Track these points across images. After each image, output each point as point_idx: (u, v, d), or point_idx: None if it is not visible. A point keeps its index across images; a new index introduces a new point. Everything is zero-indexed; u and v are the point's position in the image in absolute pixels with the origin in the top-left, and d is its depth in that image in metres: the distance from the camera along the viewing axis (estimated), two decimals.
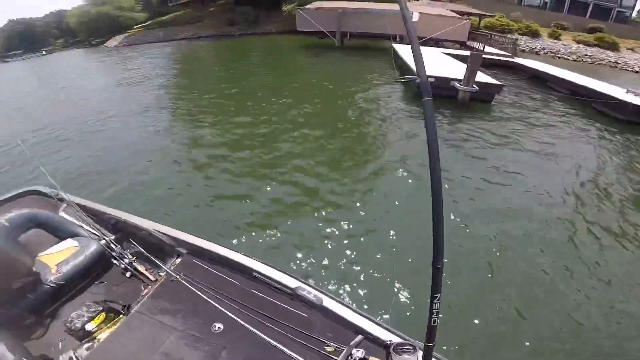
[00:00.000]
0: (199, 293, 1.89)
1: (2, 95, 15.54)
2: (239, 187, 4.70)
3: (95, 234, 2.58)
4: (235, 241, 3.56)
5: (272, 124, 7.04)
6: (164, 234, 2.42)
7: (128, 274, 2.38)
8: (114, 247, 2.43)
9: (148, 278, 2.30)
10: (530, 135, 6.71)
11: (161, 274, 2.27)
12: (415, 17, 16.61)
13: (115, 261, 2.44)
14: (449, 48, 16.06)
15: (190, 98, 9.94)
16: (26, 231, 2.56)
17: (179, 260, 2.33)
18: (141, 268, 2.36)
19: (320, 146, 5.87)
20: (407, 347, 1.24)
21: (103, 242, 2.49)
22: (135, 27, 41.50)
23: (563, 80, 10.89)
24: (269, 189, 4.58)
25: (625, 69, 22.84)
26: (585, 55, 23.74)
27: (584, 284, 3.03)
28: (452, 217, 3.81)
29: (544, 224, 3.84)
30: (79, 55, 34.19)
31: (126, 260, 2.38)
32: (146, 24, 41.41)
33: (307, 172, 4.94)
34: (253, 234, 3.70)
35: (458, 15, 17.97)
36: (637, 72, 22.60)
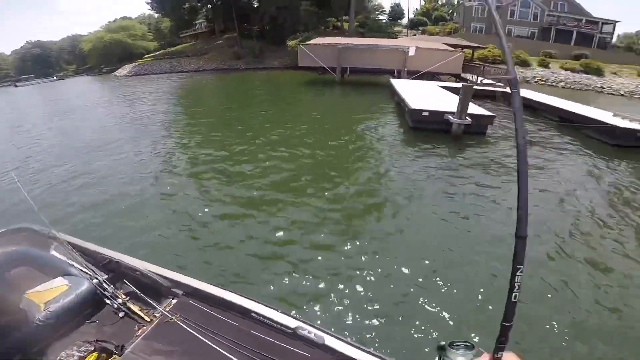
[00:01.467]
0: (195, 334, 1.88)
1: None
2: (225, 208, 5.14)
3: (87, 272, 2.55)
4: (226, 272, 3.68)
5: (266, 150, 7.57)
6: (159, 274, 2.40)
7: (121, 314, 2.36)
8: (106, 286, 2.42)
9: (142, 318, 2.26)
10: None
11: (156, 314, 2.24)
12: (412, 52, 17.94)
13: (107, 301, 2.41)
14: (445, 81, 16.90)
15: (189, 130, 10.52)
16: (15, 268, 2.56)
17: (174, 301, 2.31)
18: (135, 308, 2.33)
19: (318, 183, 6.11)
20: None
21: (95, 281, 2.47)
22: (145, 56, 42.74)
23: (554, 107, 11.27)
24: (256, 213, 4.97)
25: (611, 93, 23.92)
26: (574, 81, 24.96)
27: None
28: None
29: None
30: (89, 82, 35.23)
31: (119, 300, 2.35)
32: (156, 54, 42.65)
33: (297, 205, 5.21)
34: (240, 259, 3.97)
35: (452, 49, 19.00)
36: (622, 95, 23.65)
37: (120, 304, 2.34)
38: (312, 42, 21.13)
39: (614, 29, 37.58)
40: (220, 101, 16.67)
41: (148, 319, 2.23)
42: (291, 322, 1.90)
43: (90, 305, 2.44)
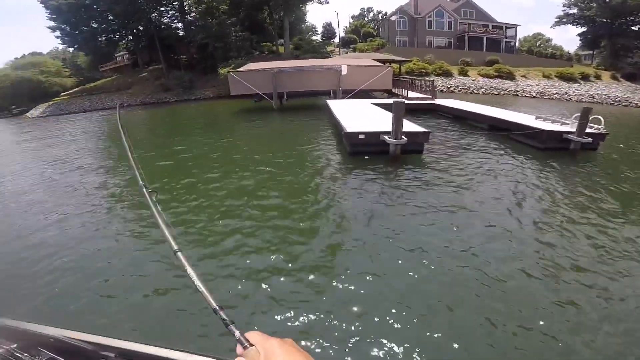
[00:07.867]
0: None
1: None
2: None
3: None
4: None
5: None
6: (82, 340, 1.99)
7: None
8: (19, 355, 1.86)
9: None
10: (463, 180, 6.74)
11: None
12: (344, 70, 17.96)
13: None
14: (379, 97, 17.14)
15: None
16: None
17: None
18: None
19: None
20: None
21: (1, 351, 1.94)
22: (62, 94, 38.94)
23: (482, 116, 11.68)
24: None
25: (525, 95, 26.90)
26: (491, 87, 27.61)
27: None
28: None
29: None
30: None
31: None
32: (73, 91, 39.10)
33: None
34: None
35: (381, 64, 19.55)
36: (534, 96, 26.70)
37: None
38: (243, 68, 20.17)
39: (515, 32, 43.02)
40: (144, 136, 14.60)
41: None
42: None
43: None
